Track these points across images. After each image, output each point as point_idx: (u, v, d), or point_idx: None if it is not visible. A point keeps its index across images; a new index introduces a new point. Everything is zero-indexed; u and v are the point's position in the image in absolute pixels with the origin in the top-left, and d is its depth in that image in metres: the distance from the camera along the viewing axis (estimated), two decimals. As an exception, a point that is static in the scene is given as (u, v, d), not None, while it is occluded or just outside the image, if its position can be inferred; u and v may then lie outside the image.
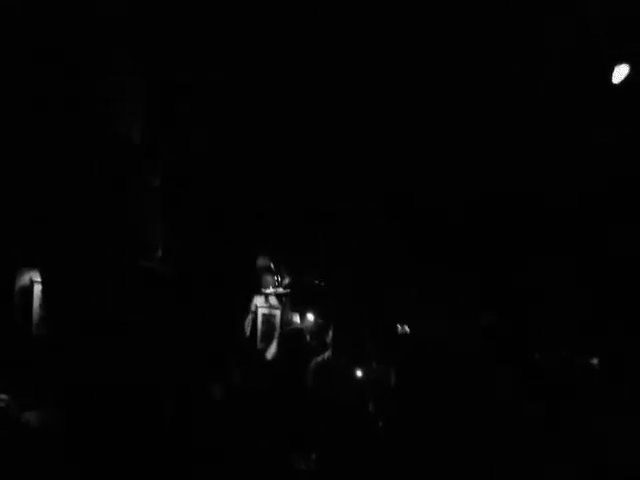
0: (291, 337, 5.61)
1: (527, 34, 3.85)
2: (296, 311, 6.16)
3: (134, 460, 2.22)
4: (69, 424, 2.23)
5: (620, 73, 4.25)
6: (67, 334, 2.25)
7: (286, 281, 6.83)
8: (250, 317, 5.90)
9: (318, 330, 5.78)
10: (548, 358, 5.80)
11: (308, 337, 5.81)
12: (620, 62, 4.20)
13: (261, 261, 6.86)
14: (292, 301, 6.03)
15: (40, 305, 5.62)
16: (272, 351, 5.54)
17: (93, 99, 2.49)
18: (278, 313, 6.79)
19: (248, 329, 5.30)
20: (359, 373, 5.73)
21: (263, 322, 6.78)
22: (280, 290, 6.79)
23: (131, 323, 2.22)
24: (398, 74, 4.13)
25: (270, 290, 6.82)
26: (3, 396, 4.07)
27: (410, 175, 5.37)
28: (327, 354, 5.38)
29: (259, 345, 6.62)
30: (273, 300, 6.83)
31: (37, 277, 5.56)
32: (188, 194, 4.10)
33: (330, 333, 5.61)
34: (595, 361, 5.91)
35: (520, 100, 4.41)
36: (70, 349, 2.23)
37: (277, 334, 5.63)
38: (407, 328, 6.86)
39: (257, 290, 6.76)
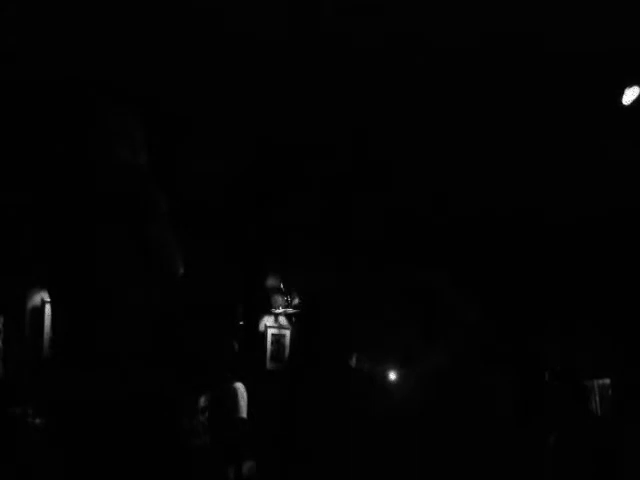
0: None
1: (534, 41, 3.76)
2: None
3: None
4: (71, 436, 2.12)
5: (630, 95, 4.21)
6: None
7: (296, 301, 6.78)
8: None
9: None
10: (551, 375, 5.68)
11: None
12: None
13: (271, 281, 6.83)
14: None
15: (52, 325, 5.58)
16: None
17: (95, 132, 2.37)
18: (288, 333, 6.74)
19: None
20: None
21: (272, 342, 6.72)
22: (290, 310, 6.75)
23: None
24: (398, 80, 4.04)
25: (280, 310, 6.78)
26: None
27: (413, 185, 5.31)
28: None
29: (268, 365, 6.57)
30: (283, 320, 6.79)
31: (48, 297, 5.52)
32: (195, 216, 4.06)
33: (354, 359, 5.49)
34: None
35: (532, 112, 4.34)
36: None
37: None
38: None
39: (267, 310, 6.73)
